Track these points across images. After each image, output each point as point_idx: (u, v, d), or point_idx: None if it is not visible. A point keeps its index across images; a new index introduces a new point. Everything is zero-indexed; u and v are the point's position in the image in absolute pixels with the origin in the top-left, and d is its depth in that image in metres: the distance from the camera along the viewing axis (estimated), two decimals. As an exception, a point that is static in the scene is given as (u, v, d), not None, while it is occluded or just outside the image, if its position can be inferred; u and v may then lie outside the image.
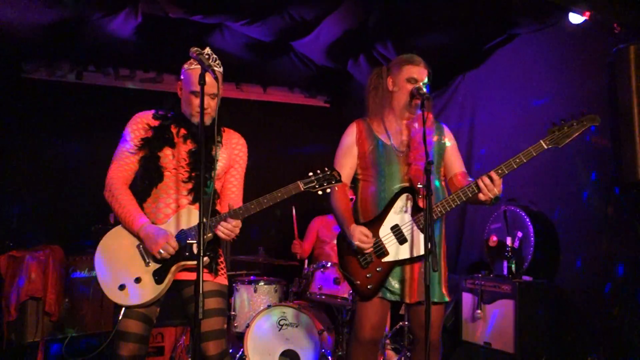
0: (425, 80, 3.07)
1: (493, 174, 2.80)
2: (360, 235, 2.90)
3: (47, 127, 5.82)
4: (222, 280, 2.85)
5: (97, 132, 5.72)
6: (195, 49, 2.54)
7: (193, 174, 2.76)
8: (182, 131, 2.81)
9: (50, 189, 5.72)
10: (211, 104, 2.75)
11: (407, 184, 3.00)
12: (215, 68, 2.70)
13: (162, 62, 6.05)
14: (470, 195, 2.87)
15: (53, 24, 4.70)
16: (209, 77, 2.55)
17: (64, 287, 4.60)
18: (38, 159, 5.76)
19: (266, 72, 6.28)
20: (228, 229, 2.65)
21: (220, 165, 2.85)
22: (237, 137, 3.01)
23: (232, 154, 2.93)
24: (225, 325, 2.84)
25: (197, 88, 2.55)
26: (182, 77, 2.81)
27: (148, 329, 2.71)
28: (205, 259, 2.67)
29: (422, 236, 2.87)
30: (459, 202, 2.89)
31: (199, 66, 2.56)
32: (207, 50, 2.74)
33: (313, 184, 2.72)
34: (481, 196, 2.83)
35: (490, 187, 2.79)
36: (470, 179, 3.00)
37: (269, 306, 4.50)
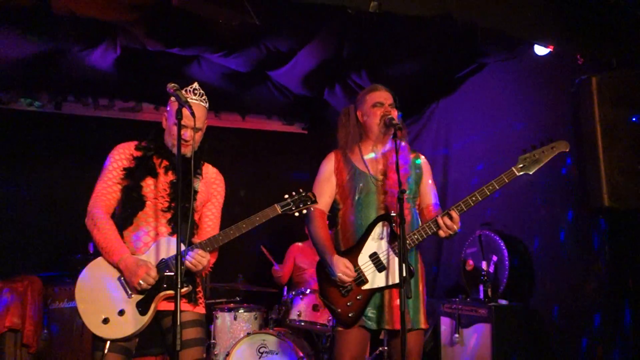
0: (392, 102, 3.17)
1: (453, 212, 2.89)
2: (344, 268, 2.94)
3: (26, 157, 5.83)
4: (201, 309, 2.87)
5: (77, 161, 5.75)
6: (172, 84, 2.60)
7: (173, 204, 2.79)
8: (164, 162, 2.85)
9: (29, 219, 5.69)
10: (195, 137, 2.78)
11: (383, 212, 3.06)
12: (201, 103, 2.80)
13: (141, 92, 6.11)
14: (429, 233, 2.96)
15: (32, 56, 4.75)
16: (197, 111, 2.66)
17: (43, 319, 4.56)
18: (16, 189, 5.73)
19: (244, 100, 6.35)
20: (195, 258, 2.66)
21: (199, 197, 2.90)
22: (215, 172, 3.06)
23: (210, 187, 2.98)
24: (205, 355, 2.85)
25: (184, 122, 2.61)
26: (167, 109, 2.86)
27: None
28: (186, 288, 2.70)
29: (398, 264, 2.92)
30: (424, 236, 2.96)
31: (186, 97, 2.64)
32: (195, 85, 2.83)
33: (290, 206, 2.79)
34: (441, 233, 2.93)
35: (450, 225, 2.89)
36: (439, 210, 3.09)
37: (248, 334, 4.50)
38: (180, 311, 2.34)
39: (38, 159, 5.86)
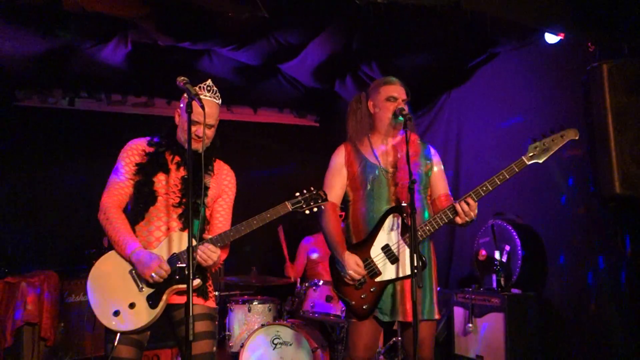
0: (405, 97, 3.16)
1: (469, 199, 2.88)
2: (355, 267, 2.96)
3: (40, 153, 5.91)
4: (211, 303, 2.89)
5: (90, 157, 5.81)
6: (182, 78, 2.61)
7: (184, 200, 2.81)
8: (176, 158, 2.87)
9: (44, 215, 5.78)
10: (207, 133, 2.82)
11: (394, 204, 3.07)
12: (213, 100, 2.83)
13: (153, 87, 6.15)
14: (446, 220, 2.94)
15: (44, 53, 4.80)
16: (210, 108, 2.71)
17: (59, 312, 4.62)
18: (31, 185, 5.82)
19: (256, 94, 6.37)
20: (205, 253, 2.67)
21: (210, 194, 2.91)
22: (226, 168, 3.07)
23: (221, 184, 2.99)
24: (215, 348, 2.86)
25: (196, 117, 2.65)
26: (180, 105, 2.87)
27: (139, 354, 2.73)
28: (198, 281, 2.73)
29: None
30: (438, 226, 2.96)
31: (199, 94, 2.66)
32: (209, 82, 2.85)
33: (300, 204, 2.79)
34: (458, 220, 2.92)
35: (467, 211, 2.88)
36: (452, 199, 3.08)
37: (262, 325, 4.54)
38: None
39: (52, 155, 5.94)
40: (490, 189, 2.89)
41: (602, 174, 3.24)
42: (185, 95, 2.79)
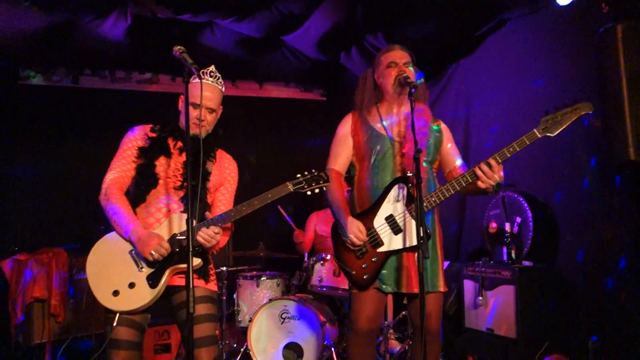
0: (407, 61, 3.07)
1: (491, 160, 2.78)
2: (356, 231, 2.92)
3: (46, 132, 5.89)
4: (212, 286, 2.86)
5: (96, 134, 5.80)
6: (179, 47, 2.54)
7: (185, 184, 2.78)
8: (179, 144, 2.86)
9: (52, 193, 5.79)
10: (208, 118, 2.81)
11: (400, 174, 3.00)
12: (217, 86, 2.84)
13: (157, 63, 6.09)
14: (464, 185, 2.84)
15: (45, 28, 4.75)
16: (212, 92, 2.75)
17: (69, 289, 4.63)
18: (38, 164, 5.81)
19: (261, 68, 6.29)
20: (208, 234, 2.65)
21: (212, 179, 2.89)
22: (229, 158, 3.05)
23: (223, 172, 2.98)
24: (217, 332, 2.84)
25: (197, 100, 2.66)
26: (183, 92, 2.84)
27: (140, 336, 2.70)
28: (199, 260, 2.70)
29: (415, 226, 2.87)
30: (452, 192, 2.86)
31: (198, 80, 2.62)
32: (212, 67, 2.84)
33: (302, 185, 2.76)
34: (481, 184, 2.79)
35: (490, 173, 2.77)
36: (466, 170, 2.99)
37: (270, 300, 4.53)
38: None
39: (58, 134, 5.92)
40: (500, 161, 2.79)
41: (616, 139, 3.14)
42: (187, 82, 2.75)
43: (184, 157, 2.82)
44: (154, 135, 2.86)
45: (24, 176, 5.76)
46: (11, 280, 4.50)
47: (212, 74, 2.84)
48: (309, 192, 2.78)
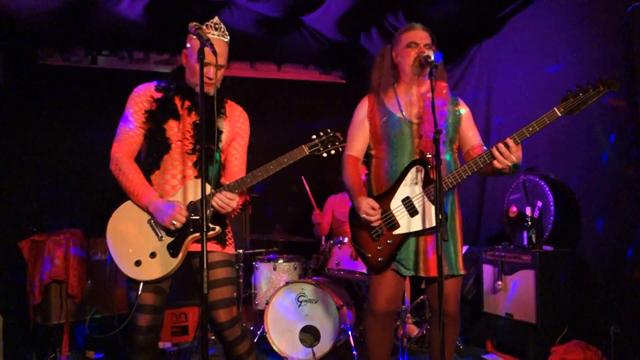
0: (428, 41, 2.99)
1: (509, 140, 2.69)
2: (367, 208, 2.87)
3: (64, 112, 5.89)
4: (230, 250, 2.86)
5: (114, 115, 5.75)
6: (194, 23, 2.52)
7: (197, 147, 2.74)
8: (187, 103, 2.79)
9: (69, 174, 5.81)
10: (218, 75, 2.73)
11: (418, 157, 2.95)
12: (222, 39, 2.72)
13: (175, 44, 6.04)
14: (481, 165, 2.76)
15: (63, 8, 4.72)
16: (219, 47, 2.57)
17: (86, 270, 4.65)
18: (56, 145, 5.84)
19: (279, 49, 6.22)
20: (223, 200, 2.63)
21: (224, 137, 2.84)
22: (239, 110, 2.99)
23: (235, 127, 2.92)
24: (235, 294, 2.83)
25: (207, 59, 2.53)
26: (187, 45, 2.76)
27: (163, 300, 2.74)
28: (217, 229, 2.71)
29: (433, 208, 2.82)
30: (470, 173, 2.79)
31: (207, 35, 2.55)
32: (216, 19, 2.72)
33: (317, 147, 2.75)
34: (497, 164, 2.71)
35: (507, 154, 2.68)
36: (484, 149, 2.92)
37: (287, 283, 4.51)
38: (209, 252, 2.33)
39: (77, 114, 5.92)
40: (519, 141, 2.70)
41: (643, 121, 3.05)
42: (191, 35, 2.70)
43: (193, 116, 2.77)
44: (160, 95, 2.77)
45: (42, 157, 5.76)
46: (29, 261, 4.52)
47: (216, 26, 2.71)
48: (324, 154, 2.76)
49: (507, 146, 2.69)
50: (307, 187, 5.39)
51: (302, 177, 5.36)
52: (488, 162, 2.75)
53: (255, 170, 2.69)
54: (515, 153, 2.69)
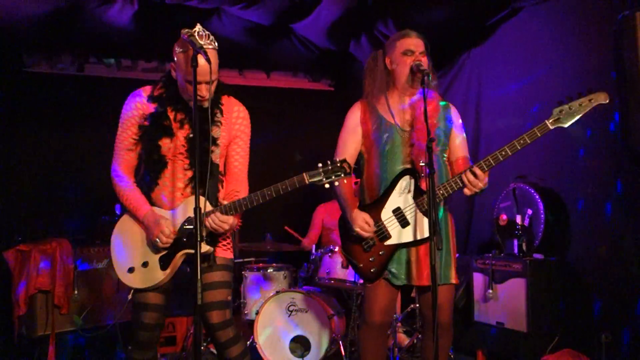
0: (422, 49, 2.98)
1: (477, 169, 2.72)
2: (362, 223, 2.87)
3: (50, 120, 5.84)
4: (228, 254, 2.85)
5: (101, 123, 5.68)
6: (186, 30, 2.50)
7: (192, 160, 2.73)
8: (179, 115, 2.76)
9: (56, 182, 5.76)
10: (211, 89, 2.64)
11: (409, 165, 2.94)
12: (208, 47, 2.59)
13: (163, 51, 6.00)
14: (455, 188, 2.80)
15: (50, 13, 4.68)
16: (202, 62, 2.48)
17: (73, 280, 4.58)
18: (43, 153, 5.78)
19: (268, 57, 6.21)
20: (215, 222, 2.64)
21: (220, 144, 2.80)
22: (237, 109, 2.89)
23: (232, 128, 2.84)
24: (230, 298, 2.83)
25: (199, 77, 2.49)
26: (175, 59, 2.71)
27: (166, 299, 2.78)
28: (208, 248, 2.70)
29: (425, 219, 2.83)
30: (448, 193, 2.82)
31: (190, 49, 2.51)
32: (198, 27, 2.61)
33: (320, 177, 2.56)
34: (466, 191, 2.77)
35: (474, 181, 2.73)
36: (470, 164, 2.92)
37: (277, 292, 4.47)
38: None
39: (63, 122, 5.87)
40: (510, 153, 2.71)
41: (633, 129, 3.05)
42: (176, 48, 2.66)
43: (186, 129, 2.74)
44: (152, 109, 2.74)
45: (28, 165, 5.72)
46: (14, 271, 4.45)
47: (202, 34, 2.58)
48: (327, 185, 2.59)
49: (474, 175, 2.72)
50: (292, 232, 5.50)
51: (285, 227, 5.49)
52: (461, 185, 2.78)
53: (252, 194, 2.63)
54: (482, 180, 2.73)
